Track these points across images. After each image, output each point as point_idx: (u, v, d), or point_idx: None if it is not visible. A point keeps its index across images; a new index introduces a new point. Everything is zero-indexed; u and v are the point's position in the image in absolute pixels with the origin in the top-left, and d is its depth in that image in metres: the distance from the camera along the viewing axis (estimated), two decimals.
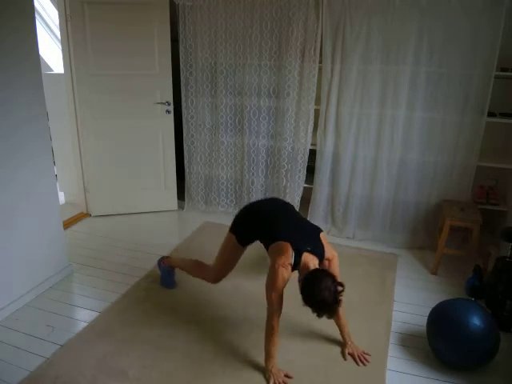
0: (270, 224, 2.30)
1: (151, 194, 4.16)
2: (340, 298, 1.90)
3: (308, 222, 2.42)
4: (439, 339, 2.24)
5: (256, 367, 2.21)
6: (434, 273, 3.19)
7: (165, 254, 3.37)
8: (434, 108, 3.31)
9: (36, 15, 3.08)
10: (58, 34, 3.80)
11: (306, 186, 3.87)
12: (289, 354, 2.28)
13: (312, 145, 3.73)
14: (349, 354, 2.31)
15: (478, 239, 3.06)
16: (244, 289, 2.90)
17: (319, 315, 1.92)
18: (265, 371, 2.15)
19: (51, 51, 4.22)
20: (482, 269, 2.96)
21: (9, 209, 2.56)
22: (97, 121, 3.83)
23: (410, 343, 2.44)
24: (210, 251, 3.41)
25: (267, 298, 2.09)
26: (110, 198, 4.07)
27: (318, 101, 3.60)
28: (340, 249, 2.91)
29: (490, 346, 2.16)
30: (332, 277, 1.94)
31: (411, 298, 2.87)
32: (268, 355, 2.14)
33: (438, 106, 3.30)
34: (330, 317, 1.96)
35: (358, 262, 3.29)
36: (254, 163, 3.95)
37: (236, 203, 4.16)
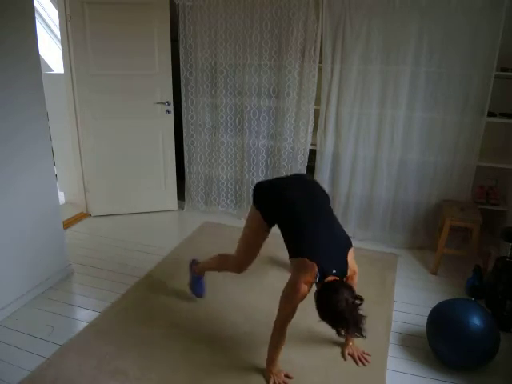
0: (297, 228, 2.07)
1: (151, 194, 4.16)
2: (359, 311, 1.78)
3: (339, 230, 2.13)
4: (439, 339, 2.24)
5: (256, 368, 2.21)
6: (434, 273, 3.19)
7: (165, 254, 3.38)
8: (434, 108, 3.31)
9: (36, 15, 3.08)
10: (58, 33, 3.80)
11: None
12: (289, 354, 2.27)
13: (312, 145, 3.73)
14: (349, 354, 2.31)
15: (478, 239, 3.06)
16: (246, 289, 2.89)
17: (338, 332, 1.82)
18: (265, 371, 2.15)
19: (51, 51, 4.22)
20: (482, 269, 2.96)
21: (9, 209, 2.56)
22: (97, 121, 3.83)
23: (410, 343, 2.44)
24: (210, 251, 3.42)
25: (281, 309, 2.02)
26: (110, 198, 4.07)
27: (318, 101, 3.60)
28: None
29: (490, 346, 2.16)
30: (350, 288, 1.85)
31: (411, 298, 2.87)
32: (271, 360, 2.13)
33: (438, 105, 3.30)
34: (348, 333, 1.83)
35: (357, 261, 3.21)
36: (254, 163, 3.95)
37: (236, 203, 4.16)
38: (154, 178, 4.12)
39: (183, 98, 3.95)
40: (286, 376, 2.14)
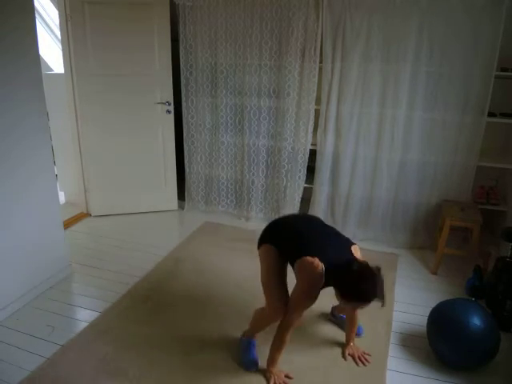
0: (299, 237, 2.11)
1: (151, 193, 4.16)
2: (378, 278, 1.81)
3: (340, 235, 2.18)
4: (439, 339, 2.24)
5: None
6: (435, 273, 3.19)
7: (165, 254, 3.38)
8: (435, 108, 3.31)
9: (36, 15, 3.08)
10: (58, 33, 3.80)
11: (306, 185, 3.87)
12: (289, 354, 2.27)
13: (312, 145, 3.73)
14: (349, 354, 2.30)
15: (478, 239, 3.06)
16: (247, 284, 2.89)
17: (361, 302, 1.83)
18: (265, 371, 2.15)
19: (51, 51, 4.22)
20: (482, 269, 2.96)
21: (9, 209, 2.55)
22: (97, 121, 3.83)
23: (410, 343, 2.44)
24: (210, 251, 3.43)
25: (296, 307, 2.00)
26: (109, 197, 4.07)
27: (318, 101, 3.60)
28: None
29: (490, 346, 2.16)
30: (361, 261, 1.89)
31: (411, 298, 2.87)
32: (272, 360, 2.13)
33: (439, 105, 3.30)
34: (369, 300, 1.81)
35: None
36: (254, 163, 3.95)
37: (236, 203, 4.16)
38: (154, 178, 4.12)
39: (183, 98, 3.95)
40: (287, 376, 2.14)
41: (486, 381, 2.18)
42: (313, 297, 1.96)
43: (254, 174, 3.98)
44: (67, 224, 3.76)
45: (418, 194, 3.53)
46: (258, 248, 2.24)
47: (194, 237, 3.71)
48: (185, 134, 4.07)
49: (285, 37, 3.49)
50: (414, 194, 3.54)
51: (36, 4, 3.75)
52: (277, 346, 2.08)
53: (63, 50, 3.70)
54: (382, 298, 1.81)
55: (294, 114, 3.68)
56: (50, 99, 3.04)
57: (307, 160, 3.79)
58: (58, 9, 3.63)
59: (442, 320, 2.26)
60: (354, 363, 2.26)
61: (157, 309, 2.69)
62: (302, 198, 3.91)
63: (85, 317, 2.62)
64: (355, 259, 1.93)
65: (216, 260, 3.29)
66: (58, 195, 2.98)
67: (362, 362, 2.25)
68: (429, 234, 3.58)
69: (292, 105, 3.65)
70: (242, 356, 2.25)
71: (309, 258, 1.94)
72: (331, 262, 1.91)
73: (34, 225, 2.76)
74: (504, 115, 3.32)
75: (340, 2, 3.27)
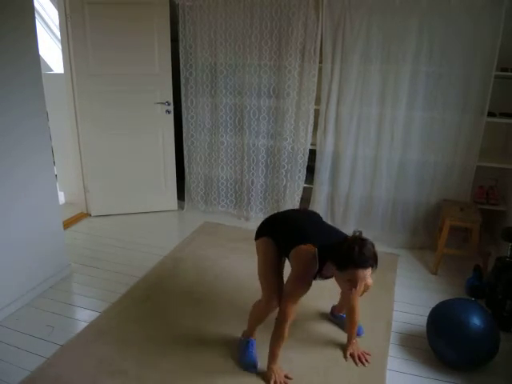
0: (295, 228, 2.15)
1: (151, 194, 4.16)
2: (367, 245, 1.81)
3: (338, 231, 2.18)
4: (439, 339, 2.24)
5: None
6: (434, 273, 3.19)
7: (165, 254, 3.38)
8: (434, 108, 3.31)
9: (36, 15, 3.08)
10: (58, 33, 3.79)
11: (305, 185, 3.87)
12: (289, 353, 2.27)
13: (312, 145, 3.73)
14: (350, 354, 2.30)
15: (478, 239, 3.06)
16: (247, 284, 2.89)
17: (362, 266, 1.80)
18: (267, 369, 2.15)
19: (51, 51, 4.22)
20: (482, 269, 2.97)
21: (9, 209, 2.55)
22: (96, 121, 3.83)
23: (410, 343, 2.44)
24: (209, 251, 3.43)
25: (291, 293, 1.99)
26: (109, 197, 4.07)
27: (318, 101, 3.60)
28: None
29: (490, 346, 2.16)
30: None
31: (411, 298, 2.87)
32: (273, 356, 2.12)
33: (438, 105, 3.30)
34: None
35: None
36: (254, 163, 3.95)
37: (236, 203, 4.16)
38: (154, 178, 4.12)
39: (183, 98, 3.95)
40: (286, 377, 2.14)
41: (485, 381, 2.17)
42: (306, 282, 1.97)
43: (253, 174, 3.98)
44: (67, 224, 3.76)
45: (417, 193, 3.53)
46: (256, 240, 2.27)
47: (194, 237, 3.71)
48: (184, 134, 4.07)
49: (285, 37, 3.49)
50: (413, 194, 3.54)
51: (36, 4, 3.75)
52: (276, 341, 2.07)
53: (63, 50, 3.70)
54: (375, 261, 1.83)
55: (294, 113, 3.68)
56: (49, 99, 3.04)
57: (307, 160, 3.79)
58: (58, 9, 3.63)
59: (441, 320, 2.26)
60: (354, 363, 2.26)
61: (157, 309, 2.69)
62: (302, 198, 3.91)
63: (85, 317, 2.62)
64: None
65: (216, 260, 3.29)
66: (57, 195, 2.98)
67: (362, 362, 2.25)
68: (428, 233, 3.58)
69: (292, 105, 3.65)
70: (242, 356, 2.25)
71: (303, 246, 1.99)
72: (325, 244, 1.95)
73: (34, 225, 2.75)
74: (504, 115, 3.32)
75: (340, 2, 3.27)
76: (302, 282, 1.98)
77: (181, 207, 4.28)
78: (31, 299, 2.76)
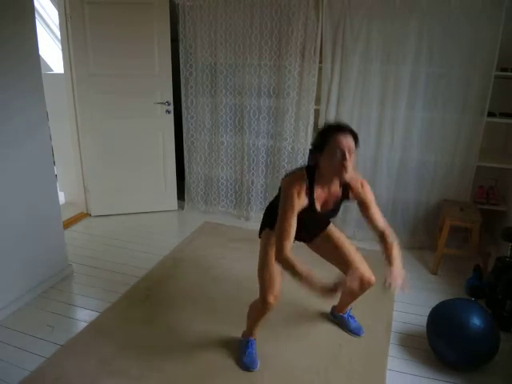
0: None
1: (151, 194, 4.16)
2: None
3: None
4: (439, 339, 2.24)
5: (258, 368, 2.21)
6: (434, 273, 3.19)
7: (165, 254, 3.38)
8: (434, 108, 3.31)
9: (36, 15, 3.08)
10: (58, 33, 3.80)
11: None
12: (288, 353, 2.27)
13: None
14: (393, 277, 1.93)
15: (478, 239, 3.06)
16: (247, 284, 2.89)
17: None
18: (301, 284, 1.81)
19: (51, 51, 4.22)
20: (482, 269, 2.97)
21: (9, 209, 2.55)
22: (97, 121, 3.83)
23: (410, 343, 2.44)
24: (209, 251, 3.43)
25: (279, 224, 1.88)
26: (109, 197, 4.07)
27: (317, 101, 3.60)
28: None
29: (490, 346, 2.16)
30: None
31: (411, 298, 2.86)
32: (294, 271, 1.79)
33: (438, 105, 3.30)
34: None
35: None
36: (254, 163, 3.95)
37: (236, 203, 4.17)
38: (154, 178, 4.12)
39: (183, 98, 3.95)
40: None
41: (485, 381, 2.17)
42: (290, 195, 1.87)
43: (253, 174, 3.98)
44: (67, 224, 3.76)
45: (417, 193, 3.53)
46: (260, 236, 2.22)
47: (194, 237, 3.71)
48: (184, 134, 4.07)
49: (285, 37, 3.49)
50: (413, 194, 3.54)
51: (36, 4, 3.75)
52: (286, 270, 1.85)
53: (63, 50, 3.70)
54: (354, 133, 1.89)
55: (294, 113, 3.68)
56: (49, 99, 3.03)
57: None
58: (58, 9, 3.63)
59: (441, 320, 2.27)
60: (353, 363, 2.26)
61: (156, 309, 2.69)
62: None
63: (85, 317, 2.62)
64: None
65: (216, 260, 3.29)
66: (57, 195, 2.98)
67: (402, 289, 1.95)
68: (428, 233, 3.58)
69: (292, 105, 3.65)
70: (241, 356, 2.23)
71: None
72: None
73: (34, 225, 2.75)
74: (504, 115, 3.32)
75: (340, 2, 3.27)
76: (290, 200, 1.87)
77: (181, 207, 4.28)
78: (31, 299, 2.76)
